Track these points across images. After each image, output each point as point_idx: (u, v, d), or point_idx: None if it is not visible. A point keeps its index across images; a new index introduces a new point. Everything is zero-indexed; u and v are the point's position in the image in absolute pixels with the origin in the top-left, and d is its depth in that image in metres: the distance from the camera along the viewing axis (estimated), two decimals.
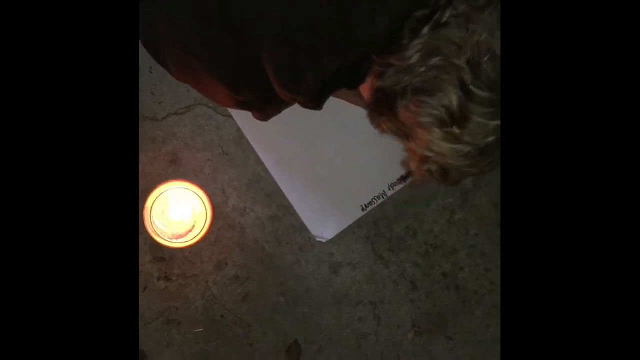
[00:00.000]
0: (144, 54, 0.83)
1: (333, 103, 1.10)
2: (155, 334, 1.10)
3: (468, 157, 0.62)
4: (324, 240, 1.15)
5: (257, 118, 0.88)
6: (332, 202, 1.15)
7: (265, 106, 0.83)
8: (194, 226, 1.05)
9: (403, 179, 1.14)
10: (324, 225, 1.15)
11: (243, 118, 1.11)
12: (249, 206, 1.13)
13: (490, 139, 0.60)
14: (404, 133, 0.65)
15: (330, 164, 1.14)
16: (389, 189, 1.16)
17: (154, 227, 1.01)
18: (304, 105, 0.72)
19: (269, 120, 1.10)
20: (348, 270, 1.16)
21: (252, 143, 1.12)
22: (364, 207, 1.16)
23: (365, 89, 0.74)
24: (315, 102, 0.71)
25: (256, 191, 1.13)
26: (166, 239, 1.02)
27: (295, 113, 1.09)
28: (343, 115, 1.13)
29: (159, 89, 1.10)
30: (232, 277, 1.13)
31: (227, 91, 0.77)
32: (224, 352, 1.13)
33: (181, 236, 1.04)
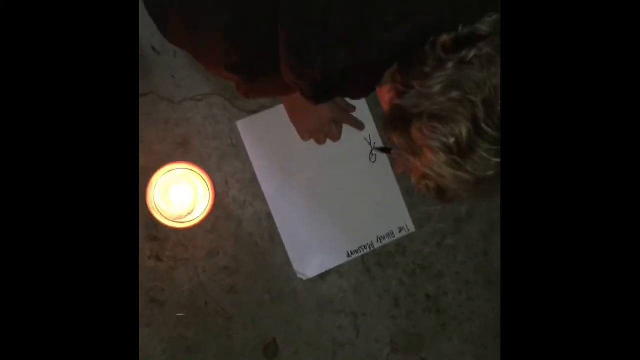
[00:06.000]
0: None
1: (341, 148, 1.16)
2: None
3: (465, 183, 0.66)
4: (304, 278, 1.17)
5: (242, 93, 0.88)
6: (319, 242, 1.17)
7: (256, 76, 0.83)
8: (192, 210, 1.07)
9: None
10: (307, 263, 1.17)
11: (253, 147, 1.14)
12: (248, 200, 1.15)
13: (490, 173, 0.64)
14: (412, 149, 0.69)
15: (326, 205, 1.17)
16: (377, 242, 1.19)
17: (155, 204, 1.03)
18: (303, 93, 0.74)
19: (278, 153, 1.13)
20: (335, 278, 1.18)
21: (256, 172, 1.14)
22: (350, 253, 1.18)
23: (384, 101, 0.77)
24: (314, 94, 0.73)
25: (258, 187, 1.15)
26: (165, 217, 1.03)
27: (304, 150, 1.15)
28: (349, 162, 1.17)
29: (180, 73, 1.13)
30: (222, 267, 1.14)
31: (224, 47, 0.77)
32: (202, 340, 1.13)
33: (179, 217, 1.05)
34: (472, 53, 0.62)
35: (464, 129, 0.62)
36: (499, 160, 0.62)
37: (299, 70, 0.71)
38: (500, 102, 0.61)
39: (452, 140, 0.63)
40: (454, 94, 0.62)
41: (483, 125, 0.61)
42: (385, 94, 0.75)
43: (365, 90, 0.79)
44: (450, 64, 0.63)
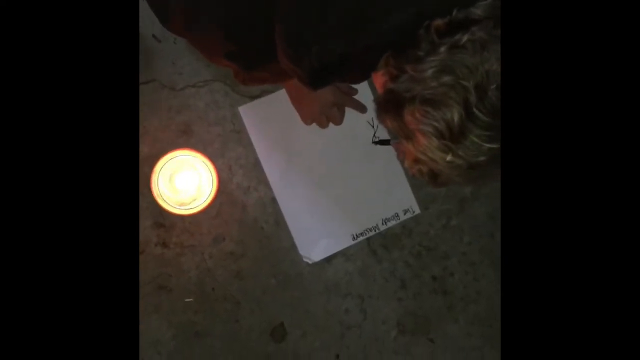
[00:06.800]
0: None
1: (344, 132, 1.15)
2: (144, 298, 1.12)
3: (458, 169, 0.66)
4: (310, 262, 1.17)
5: (239, 80, 0.88)
6: (325, 225, 1.18)
7: (253, 64, 0.84)
8: (197, 197, 1.07)
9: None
10: (312, 247, 1.17)
11: (256, 133, 1.15)
12: (252, 185, 1.15)
13: (482, 158, 0.64)
14: (404, 133, 0.69)
15: (331, 188, 1.18)
16: (383, 224, 1.19)
17: (160, 191, 1.03)
18: (301, 80, 0.74)
19: (281, 137, 1.14)
20: (341, 261, 1.18)
21: (260, 157, 1.15)
22: (355, 236, 1.19)
23: (378, 85, 0.77)
24: (311, 81, 0.73)
25: (261, 172, 1.15)
26: (170, 204, 1.03)
27: (307, 134, 1.15)
28: (352, 145, 1.18)
29: (180, 60, 1.13)
30: (228, 253, 1.15)
31: (222, 36, 0.78)
32: (210, 325, 1.14)
33: (184, 204, 1.06)
34: (465, 37, 0.62)
35: (455, 114, 0.62)
36: (491, 145, 0.62)
37: (296, 57, 0.71)
38: (492, 87, 0.60)
39: (443, 124, 0.63)
40: (446, 78, 0.62)
41: (475, 110, 0.61)
42: (379, 78, 0.75)
43: (362, 75, 0.79)
44: (443, 48, 0.63)
